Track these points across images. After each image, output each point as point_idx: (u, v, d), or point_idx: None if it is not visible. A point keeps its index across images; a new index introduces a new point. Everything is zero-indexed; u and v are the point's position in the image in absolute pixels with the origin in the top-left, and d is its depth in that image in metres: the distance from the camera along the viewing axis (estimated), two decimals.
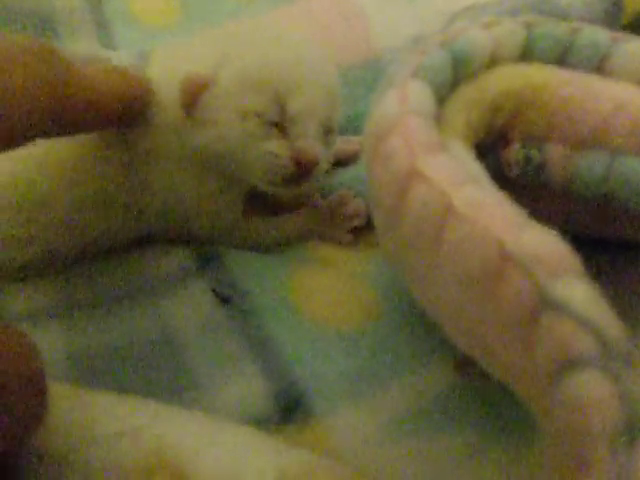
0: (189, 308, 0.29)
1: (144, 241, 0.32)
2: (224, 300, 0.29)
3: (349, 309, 0.28)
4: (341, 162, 0.35)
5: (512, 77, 0.23)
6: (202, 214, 0.31)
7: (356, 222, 0.32)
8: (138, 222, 0.31)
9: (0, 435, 0.17)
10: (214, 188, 0.30)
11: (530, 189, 0.23)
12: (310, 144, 0.28)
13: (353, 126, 0.36)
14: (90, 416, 0.21)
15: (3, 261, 0.29)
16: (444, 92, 0.22)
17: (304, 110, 0.28)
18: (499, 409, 0.24)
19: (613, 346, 0.14)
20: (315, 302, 0.28)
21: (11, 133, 0.21)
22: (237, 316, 0.28)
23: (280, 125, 0.28)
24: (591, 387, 0.14)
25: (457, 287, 0.17)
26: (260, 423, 0.24)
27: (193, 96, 0.28)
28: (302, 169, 0.28)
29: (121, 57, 0.42)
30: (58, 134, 0.24)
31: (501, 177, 0.23)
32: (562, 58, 0.23)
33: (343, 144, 0.35)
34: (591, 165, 0.21)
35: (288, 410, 0.25)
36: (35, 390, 0.18)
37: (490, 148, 0.24)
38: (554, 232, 0.16)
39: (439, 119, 0.21)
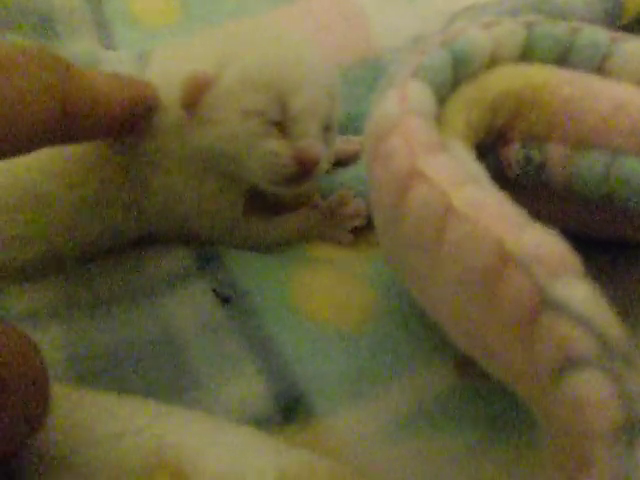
0: (189, 308, 0.29)
1: (144, 241, 0.32)
2: (224, 300, 0.29)
3: (349, 309, 0.28)
4: (341, 162, 0.35)
5: (512, 77, 0.23)
6: (202, 214, 0.31)
7: (356, 222, 0.32)
8: (138, 222, 0.31)
9: (2, 436, 0.17)
10: (214, 188, 0.30)
11: (530, 189, 0.23)
12: (311, 143, 0.28)
13: (353, 126, 0.36)
14: (90, 416, 0.21)
15: (3, 261, 0.29)
16: (444, 92, 0.22)
17: (305, 109, 0.28)
18: (499, 409, 0.24)
19: (613, 346, 0.14)
20: (315, 302, 0.28)
21: (16, 140, 0.21)
22: (237, 316, 0.28)
23: (281, 124, 0.28)
24: (591, 387, 0.14)
25: (457, 287, 0.17)
26: (260, 423, 0.24)
27: (195, 95, 0.28)
28: (304, 168, 0.28)
29: (121, 57, 0.42)
30: (62, 141, 0.24)
31: (501, 177, 0.23)
32: (562, 58, 0.23)
33: (343, 144, 0.35)
34: (591, 165, 0.21)
35: (288, 410, 0.25)
36: (37, 391, 0.18)
37: (490, 148, 0.24)
38: (554, 232, 0.16)
39: (439, 119, 0.21)
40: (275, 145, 0.28)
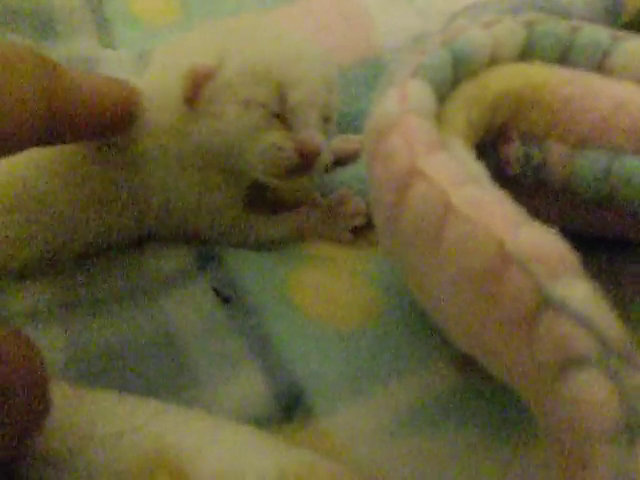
0: (189, 307, 0.29)
1: (144, 241, 0.32)
2: (225, 300, 0.29)
3: (349, 308, 0.28)
4: (341, 161, 0.35)
5: (512, 76, 0.23)
6: (202, 212, 0.31)
7: (356, 221, 0.32)
8: (138, 222, 0.31)
9: (1, 437, 0.17)
10: (214, 185, 0.30)
11: (530, 188, 0.23)
12: (312, 134, 0.28)
13: (353, 125, 0.36)
14: (90, 416, 0.21)
15: (3, 261, 0.29)
16: (444, 91, 0.22)
17: (304, 101, 0.28)
18: (499, 408, 0.24)
19: (613, 346, 0.14)
20: (315, 301, 0.28)
21: (4, 140, 0.21)
22: (237, 315, 0.28)
23: (281, 116, 0.28)
24: (591, 386, 0.14)
25: (457, 286, 0.17)
26: (260, 422, 0.24)
27: (195, 87, 0.28)
28: (305, 160, 0.28)
29: (121, 57, 0.42)
30: (48, 142, 0.24)
31: (501, 176, 0.23)
32: (563, 57, 0.23)
33: (343, 143, 0.35)
34: (591, 164, 0.21)
35: (288, 409, 0.25)
36: (37, 393, 0.18)
37: (490, 147, 0.23)
38: (554, 231, 0.16)
39: (439, 118, 0.21)
40: (276, 137, 0.28)
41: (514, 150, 0.23)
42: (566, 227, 0.17)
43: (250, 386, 0.25)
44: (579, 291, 0.15)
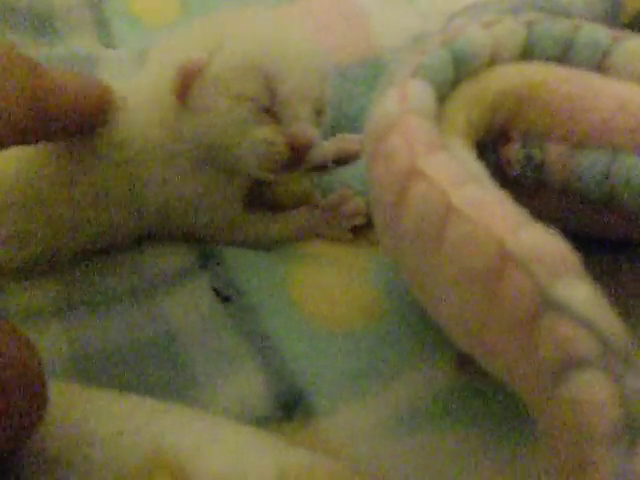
0: (189, 307, 0.29)
1: (144, 240, 0.32)
2: (225, 299, 0.29)
3: (349, 307, 0.28)
4: (341, 161, 0.35)
5: (512, 76, 0.23)
6: (201, 211, 0.31)
7: (356, 221, 0.32)
8: (137, 220, 0.31)
9: None
10: (212, 184, 0.30)
11: (530, 188, 0.23)
12: (303, 128, 0.28)
13: (353, 125, 0.35)
14: (89, 415, 0.21)
15: (3, 260, 0.29)
16: (444, 91, 0.22)
17: (294, 93, 0.28)
18: (499, 407, 0.24)
19: (614, 346, 0.14)
20: (315, 300, 0.28)
21: None
22: (237, 314, 0.28)
23: (271, 110, 0.28)
24: (592, 387, 0.14)
25: (457, 287, 0.17)
26: (260, 421, 0.24)
27: (185, 83, 0.28)
28: (297, 154, 0.28)
29: (121, 56, 0.42)
30: (29, 141, 0.24)
31: (501, 176, 0.23)
32: (563, 56, 0.23)
33: (343, 143, 0.35)
34: (592, 164, 0.21)
35: (288, 408, 0.25)
36: (34, 391, 0.18)
37: (490, 147, 0.23)
38: (554, 232, 0.16)
39: (439, 118, 0.21)
40: (267, 132, 0.28)
41: (514, 151, 0.23)
42: (567, 227, 0.17)
43: (250, 385, 0.25)
44: (580, 292, 0.15)
